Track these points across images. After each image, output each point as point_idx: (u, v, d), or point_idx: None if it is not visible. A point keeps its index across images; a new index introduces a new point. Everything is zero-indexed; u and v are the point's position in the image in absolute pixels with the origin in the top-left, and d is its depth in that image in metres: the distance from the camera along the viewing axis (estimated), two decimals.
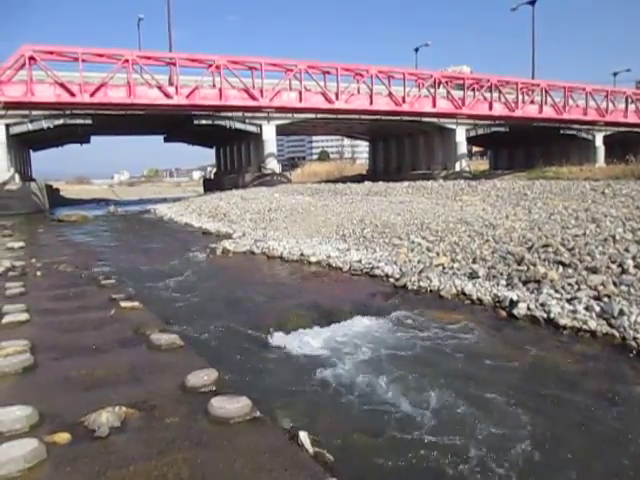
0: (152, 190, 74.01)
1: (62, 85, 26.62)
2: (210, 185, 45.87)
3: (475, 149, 64.52)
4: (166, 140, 46.86)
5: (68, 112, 28.89)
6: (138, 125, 37.47)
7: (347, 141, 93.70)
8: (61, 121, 29.05)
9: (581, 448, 3.46)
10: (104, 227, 21.88)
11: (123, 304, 6.26)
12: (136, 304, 6.31)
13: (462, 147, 39.86)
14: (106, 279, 8.12)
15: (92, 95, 27.23)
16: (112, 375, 4.08)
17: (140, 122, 34.93)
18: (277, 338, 5.72)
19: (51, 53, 27.07)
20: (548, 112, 39.67)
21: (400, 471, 3.22)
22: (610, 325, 5.55)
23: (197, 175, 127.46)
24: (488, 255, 8.37)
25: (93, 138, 43.26)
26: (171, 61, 29.79)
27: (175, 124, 36.61)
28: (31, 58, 25.77)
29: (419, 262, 8.80)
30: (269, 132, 34.13)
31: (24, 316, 5.64)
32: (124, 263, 11.18)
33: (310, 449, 3.10)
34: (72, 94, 26.82)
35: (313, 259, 10.30)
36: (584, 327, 5.66)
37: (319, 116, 35.15)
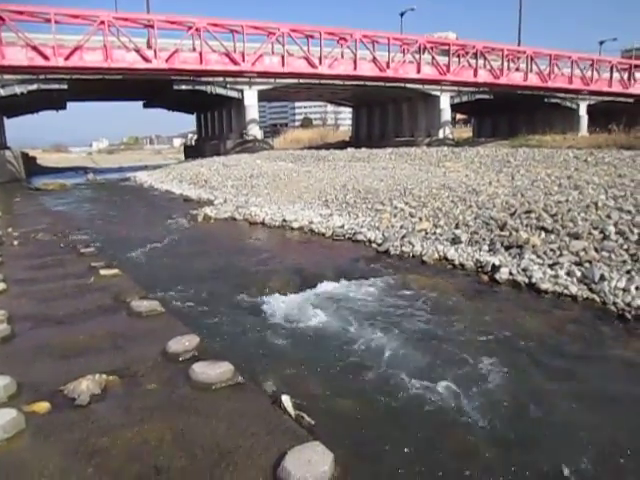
0: (132, 158, 72.71)
1: (35, 48, 25.61)
2: (191, 152, 45.18)
3: (459, 117, 64.19)
4: (145, 106, 45.80)
5: (42, 77, 27.88)
6: (116, 90, 36.45)
7: (330, 107, 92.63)
8: (35, 86, 28.06)
9: (559, 406, 3.51)
10: (83, 195, 21.52)
11: (103, 272, 6.19)
12: (116, 271, 6.25)
13: (446, 114, 39.60)
14: (85, 247, 8.01)
15: (67, 59, 26.29)
16: (92, 343, 4.03)
17: (118, 87, 33.94)
18: (259, 303, 5.70)
19: (21, 13, 25.91)
20: (533, 80, 39.42)
21: (379, 429, 3.24)
22: (591, 290, 5.61)
23: (178, 142, 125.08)
24: (471, 221, 8.38)
25: (70, 104, 42.06)
26: (149, 23, 28.78)
27: (154, 89, 35.68)
28: None
29: (402, 227, 8.80)
30: (251, 98, 33.47)
31: (1, 286, 5.55)
32: (104, 231, 11.01)
33: (292, 413, 3.09)
34: (46, 57, 25.87)
35: (295, 225, 10.24)
36: (565, 292, 5.72)
37: (302, 81, 34.50)
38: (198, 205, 14.32)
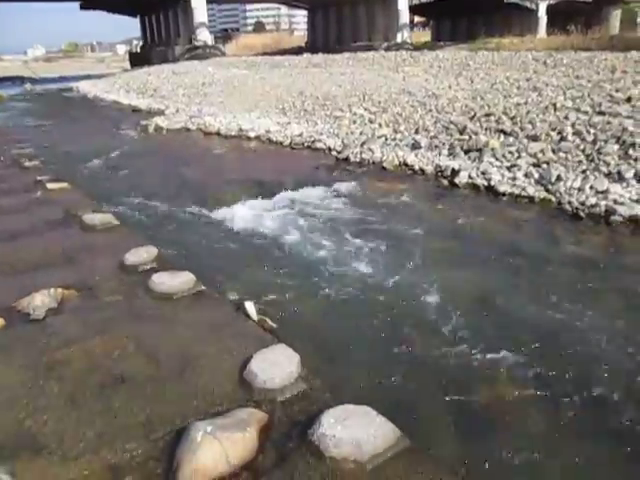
0: (73, 67, 67.93)
1: None
2: (137, 60, 42.41)
3: (417, 20, 62.00)
4: (83, 7, 41.97)
5: None
6: None
7: (284, 10, 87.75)
8: None
9: (514, 295, 3.65)
10: (22, 107, 20.16)
11: (50, 185, 5.86)
12: (65, 185, 5.92)
13: (404, 16, 38.18)
14: (29, 161, 7.52)
15: None
16: (44, 258, 3.85)
17: None
18: (217, 213, 5.60)
19: None
20: None
21: (339, 331, 3.30)
22: (547, 191, 5.72)
23: (122, 49, 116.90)
24: (431, 125, 8.29)
25: None
26: None
27: None
28: None
29: (361, 134, 8.66)
30: None
31: None
32: (48, 144, 10.41)
33: (256, 318, 3.09)
34: None
35: (252, 134, 9.96)
36: (523, 193, 5.81)
37: None
38: (149, 115, 13.71)
